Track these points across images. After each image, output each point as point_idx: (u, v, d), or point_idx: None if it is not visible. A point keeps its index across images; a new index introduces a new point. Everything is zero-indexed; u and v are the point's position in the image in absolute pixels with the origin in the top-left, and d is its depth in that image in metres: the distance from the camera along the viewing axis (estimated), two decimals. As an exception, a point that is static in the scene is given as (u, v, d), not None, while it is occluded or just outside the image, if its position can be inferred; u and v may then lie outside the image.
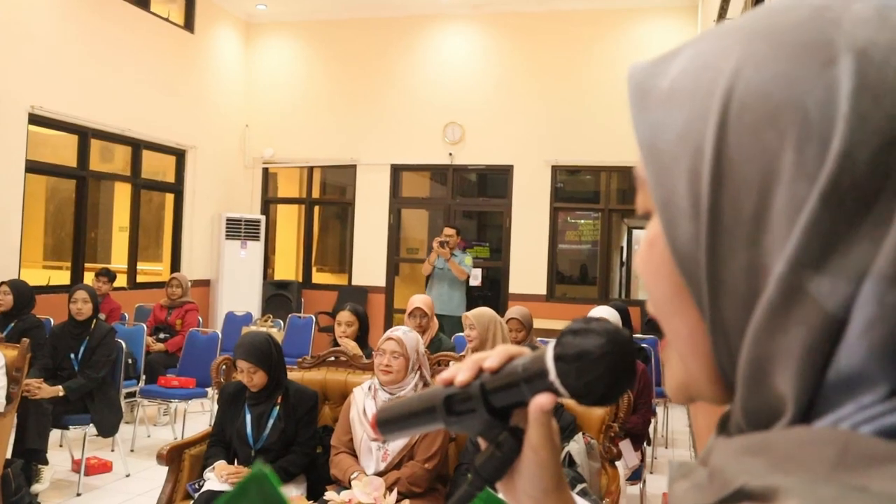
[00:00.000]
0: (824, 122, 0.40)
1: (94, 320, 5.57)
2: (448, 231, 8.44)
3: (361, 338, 4.91)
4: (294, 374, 3.89)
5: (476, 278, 10.45)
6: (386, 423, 0.72)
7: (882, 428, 0.38)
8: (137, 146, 9.46)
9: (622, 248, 10.68)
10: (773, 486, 0.38)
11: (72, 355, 5.43)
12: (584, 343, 0.59)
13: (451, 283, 8.32)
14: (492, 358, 0.66)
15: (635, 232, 13.81)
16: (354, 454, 3.35)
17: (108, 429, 5.42)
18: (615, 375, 0.59)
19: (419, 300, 5.29)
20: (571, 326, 0.61)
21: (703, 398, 0.50)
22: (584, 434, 3.29)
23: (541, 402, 0.62)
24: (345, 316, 5.01)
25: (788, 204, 0.41)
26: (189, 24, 10.25)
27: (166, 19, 9.82)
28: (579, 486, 2.85)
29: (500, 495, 0.70)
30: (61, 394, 5.13)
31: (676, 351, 0.50)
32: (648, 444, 5.31)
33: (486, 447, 0.67)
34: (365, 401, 3.40)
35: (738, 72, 0.43)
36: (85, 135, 8.61)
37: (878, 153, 0.39)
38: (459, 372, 0.66)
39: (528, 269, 10.11)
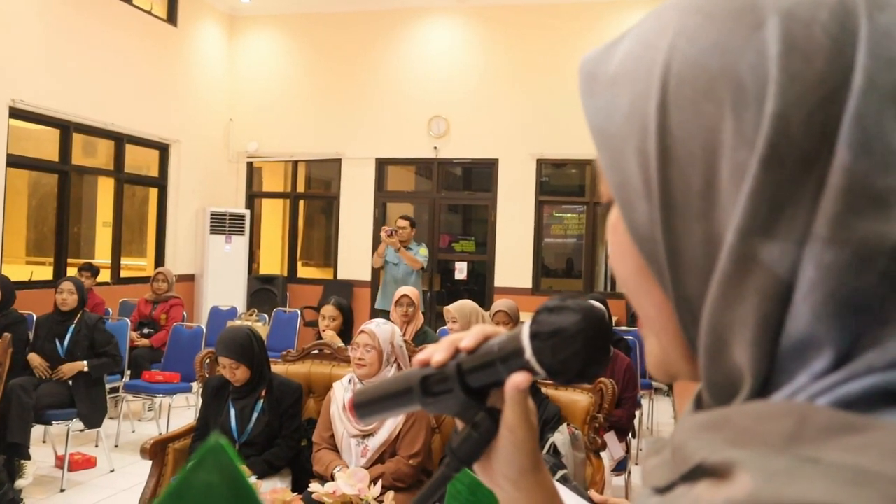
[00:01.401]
0: (758, 87, 0.40)
1: (81, 312, 5.56)
2: (401, 222, 7.71)
3: (346, 332, 4.90)
4: (278, 368, 3.88)
5: (461, 272, 10.47)
6: (363, 406, 0.72)
7: (838, 398, 0.38)
8: (120, 140, 9.39)
9: (607, 242, 10.69)
10: (729, 461, 0.38)
11: (56, 341, 5.42)
12: (560, 320, 0.59)
13: (404, 276, 7.49)
14: (468, 338, 0.65)
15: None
16: (336, 450, 3.34)
17: (94, 420, 5.40)
18: (591, 352, 0.59)
19: (407, 289, 5.30)
20: (547, 304, 0.61)
21: (681, 376, 0.50)
22: (568, 425, 3.29)
23: (516, 380, 0.61)
24: (328, 310, 5.01)
25: (732, 173, 0.41)
26: (172, 18, 10.18)
27: (149, 12, 9.75)
28: (560, 473, 2.86)
29: (478, 477, 0.69)
30: (85, 369, 5.37)
31: (651, 330, 0.50)
32: (633, 436, 5.33)
33: (462, 428, 0.67)
34: (345, 395, 3.39)
35: (674, 47, 0.43)
36: (67, 129, 8.54)
37: (813, 112, 0.39)
38: (436, 352, 0.66)
39: (513, 263, 10.12)
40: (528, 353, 0.60)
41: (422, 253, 7.61)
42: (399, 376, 0.69)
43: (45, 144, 8.76)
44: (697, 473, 0.40)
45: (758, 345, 0.41)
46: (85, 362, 5.37)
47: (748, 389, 0.42)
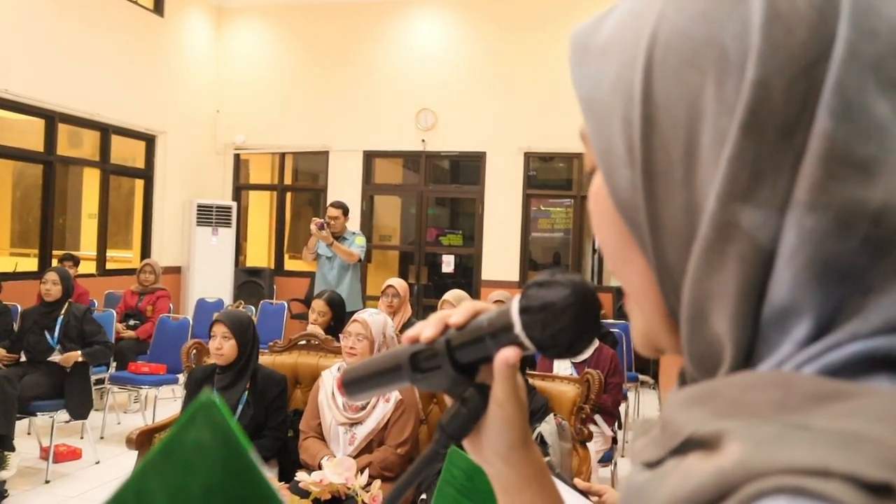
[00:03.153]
0: (740, 55, 0.40)
1: (68, 303, 5.53)
2: (332, 211, 6.78)
3: (335, 327, 4.88)
4: (265, 359, 3.87)
5: (449, 265, 10.47)
6: (352, 384, 0.72)
7: (824, 366, 0.39)
8: (106, 131, 9.33)
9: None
10: (718, 431, 0.38)
11: (46, 332, 5.39)
12: (549, 294, 0.59)
13: (339, 271, 6.69)
14: (457, 314, 0.65)
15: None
16: (323, 438, 3.34)
17: (82, 412, 5.38)
18: (580, 326, 0.59)
19: (394, 280, 5.31)
20: (536, 279, 0.61)
21: (666, 349, 0.50)
22: (555, 415, 3.30)
23: (506, 355, 0.61)
24: (319, 305, 5.00)
25: (713, 140, 0.41)
26: (158, 8, 10.11)
27: (135, 2, 9.68)
28: (544, 460, 2.87)
29: (467, 453, 0.69)
30: (80, 359, 5.40)
31: (634, 301, 0.50)
32: (620, 427, 5.35)
33: (451, 404, 0.67)
34: (333, 384, 3.39)
35: (662, 16, 0.44)
36: (52, 119, 8.47)
37: (794, 81, 0.39)
38: (425, 328, 0.66)
39: (500, 256, 10.13)
40: (518, 327, 0.60)
41: (358, 243, 6.73)
42: (388, 353, 0.69)
43: (29, 135, 8.69)
44: (687, 446, 0.40)
45: (739, 313, 0.41)
46: (79, 352, 5.37)
47: (731, 359, 0.42)
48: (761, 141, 0.40)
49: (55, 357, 5.34)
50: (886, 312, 0.39)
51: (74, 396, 5.32)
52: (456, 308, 0.67)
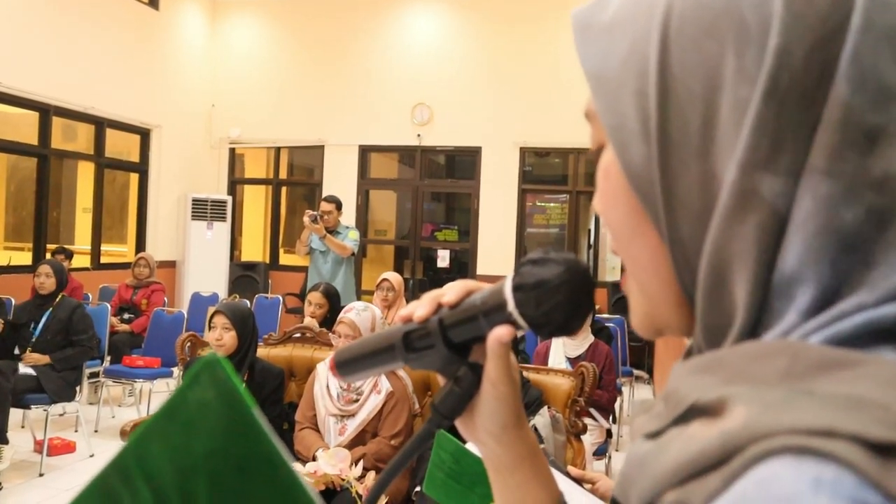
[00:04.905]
0: (761, 25, 0.41)
1: (60, 296, 5.52)
2: (325, 205, 6.77)
3: (332, 319, 4.88)
4: (260, 351, 3.86)
5: (444, 259, 10.47)
6: (344, 364, 0.71)
7: (830, 336, 0.39)
8: (101, 124, 9.30)
9: (590, 230, 10.74)
10: (723, 397, 0.38)
11: (31, 324, 5.37)
12: (543, 272, 0.59)
13: (333, 265, 6.68)
14: (450, 293, 0.65)
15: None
16: (318, 430, 3.34)
17: (64, 394, 5.33)
18: (574, 304, 0.58)
19: (389, 273, 5.30)
20: (530, 256, 0.61)
21: (668, 327, 0.50)
22: (549, 408, 3.31)
23: (499, 333, 0.61)
24: (315, 297, 5.00)
25: (733, 109, 0.41)
26: (154, 2, 10.09)
27: (130, -5, 9.66)
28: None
29: (460, 432, 0.69)
30: (48, 362, 5.27)
31: (637, 280, 0.50)
32: (614, 421, 5.36)
33: (444, 384, 0.66)
34: (328, 376, 3.39)
35: None
36: (46, 112, 8.44)
37: (813, 50, 0.40)
38: (418, 308, 0.66)
39: (496, 251, 10.12)
40: (511, 305, 0.60)
41: (351, 237, 6.74)
42: (381, 333, 0.69)
43: (23, 128, 8.66)
44: (691, 414, 0.41)
45: (755, 280, 0.41)
46: (48, 356, 5.28)
47: (739, 327, 0.42)
48: (782, 109, 0.40)
49: (26, 359, 5.25)
50: (891, 283, 0.39)
51: (52, 383, 5.27)
52: (448, 287, 0.67)
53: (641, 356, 8.55)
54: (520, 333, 0.63)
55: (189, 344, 3.92)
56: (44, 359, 5.26)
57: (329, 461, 2.67)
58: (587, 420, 3.65)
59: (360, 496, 2.75)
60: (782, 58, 0.40)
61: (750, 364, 0.39)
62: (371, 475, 2.83)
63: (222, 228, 10.53)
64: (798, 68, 0.40)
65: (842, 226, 0.39)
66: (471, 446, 1.76)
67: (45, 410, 5.23)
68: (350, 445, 3.17)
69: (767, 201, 0.41)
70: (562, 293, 0.58)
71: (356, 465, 2.75)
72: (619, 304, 9.14)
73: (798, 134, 0.40)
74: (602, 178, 0.49)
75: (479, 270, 10.17)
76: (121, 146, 9.88)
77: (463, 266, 10.71)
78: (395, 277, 5.27)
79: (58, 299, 5.52)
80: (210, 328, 3.63)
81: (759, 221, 0.41)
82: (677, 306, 0.48)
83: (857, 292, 0.39)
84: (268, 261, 11.14)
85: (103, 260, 9.50)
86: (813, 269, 0.40)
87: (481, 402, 0.65)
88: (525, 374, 3.44)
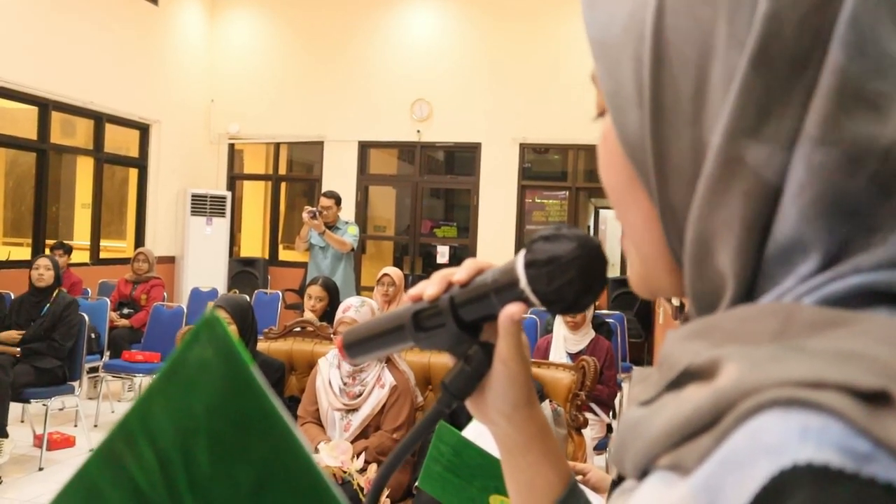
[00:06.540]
0: None
1: (57, 290, 5.51)
2: (324, 201, 6.77)
3: (332, 313, 4.88)
4: (260, 345, 3.86)
5: (443, 255, 10.46)
6: (353, 345, 0.71)
7: (823, 297, 0.39)
8: (100, 119, 9.29)
9: (589, 227, 10.74)
10: (715, 358, 0.38)
11: (32, 324, 5.37)
12: (555, 248, 0.59)
13: (333, 261, 6.69)
14: (461, 271, 0.65)
15: (602, 212, 13.90)
16: (320, 424, 3.34)
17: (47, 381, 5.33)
18: (586, 280, 0.58)
19: (390, 269, 5.30)
20: (541, 233, 0.60)
21: (662, 291, 0.50)
22: (550, 401, 3.30)
23: (511, 311, 0.61)
24: (315, 290, 4.99)
25: (723, 76, 0.41)
26: (153, -4, 10.08)
27: (129, -10, 9.64)
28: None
29: (471, 412, 0.69)
30: (17, 351, 5.21)
31: (633, 244, 0.50)
32: (615, 416, 5.37)
33: (454, 364, 0.66)
34: (330, 371, 3.39)
35: None
36: (45, 107, 8.42)
37: (807, 15, 0.39)
38: (428, 286, 0.65)
39: (495, 248, 10.11)
40: (523, 282, 0.59)
41: (350, 232, 6.74)
42: (390, 313, 0.68)
43: (22, 123, 8.65)
44: (684, 379, 0.41)
45: (742, 249, 0.41)
46: (18, 349, 5.25)
47: (731, 295, 0.42)
48: (770, 75, 0.39)
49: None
50: (891, 249, 0.39)
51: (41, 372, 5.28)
52: (458, 267, 0.66)
53: (641, 352, 8.56)
54: (530, 312, 0.63)
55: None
56: (13, 350, 5.21)
57: (330, 454, 2.67)
58: (588, 415, 3.65)
59: (361, 489, 2.75)
60: (772, 23, 0.39)
61: (742, 326, 0.39)
62: (373, 467, 2.83)
63: (221, 224, 10.52)
64: (789, 35, 0.39)
65: (840, 194, 0.39)
66: (470, 436, 1.76)
67: (44, 405, 5.23)
68: (354, 440, 3.17)
69: (753, 169, 0.40)
70: (574, 269, 0.58)
71: (358, 457, 2.75)
72: (620, 299, 9.14)
73: (787, 102, 0.39)
74: (602, 143, 0.50)
75: (479, 266, 10.15)
76: (120, 141, 9.86)
77: (462, 262, 10.69)
78: (395, 272, 5.27)
79: (55, 294, 5.50)
80: None
81: (745, 189, 0.40)
82: (670, 271, 0.48)
83: (855, 257, 0.39)
84: (267, 257, 11.14)
85: (102, 255, 9.49)
86: (812, 237, 0.40)
87: (492, 382, 0.64)
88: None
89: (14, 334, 5.26)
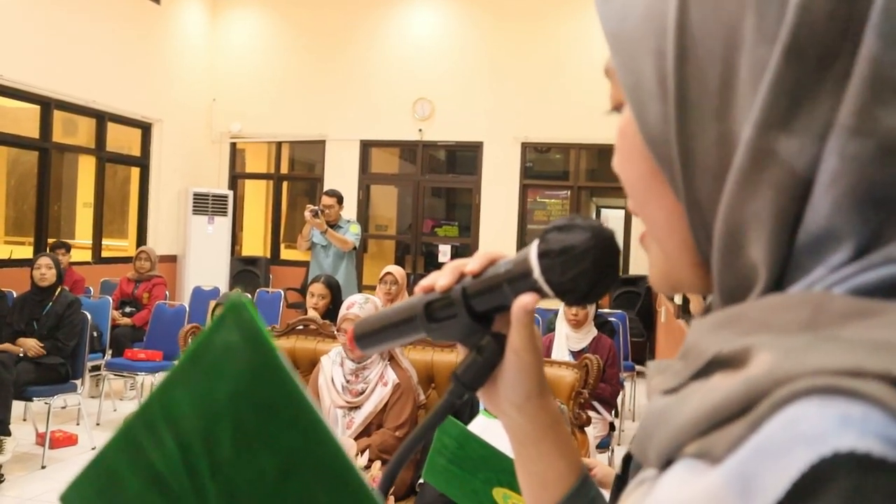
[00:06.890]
0: None
1: (59, 289, 5.51)
2: (326, 200, 6.79)
3: (334, 311, 4.87)
4: (263, 343, 3.86)
5: (445, 254, 10.46)
6: (364, 337, 0.70)
7: (854, 287, 0.38)
8: (102, 118, 9.29)
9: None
10: (746, 347, 0.38)
11: (35, 323, 5.37)
12: (569, 238, 0.58)
13: (334, 259, 6.70)
14: (473, 261, 0.64)
15: (604, 211, 13.90)
16: (324, 422, 3.34)
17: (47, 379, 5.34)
18: (600, 270, 0.58)
19: (392, 267, 5.29)
20: (556, 223, 0.60)
21: (685, 286, 0.50)
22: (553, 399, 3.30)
23: (524, 301, 0.61)
24: (318, 288, 4.99)
25: (752, 68, 0.41)
26: (155, -5, 10.08)
27: (131, -11, 9.63)
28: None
29: (483, 403, 0.69)
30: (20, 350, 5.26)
31: (655, 239, 0.49)
32: (617, 415, 5.37)
33: (466, 354, 0.66)
34: (332, 368, 3.38)
35: None
36: (47, 105, 8.43)
37: (839, 6, 0.38)
38: (440, 277, 0.65)
39: (497, 247, 9.82)
40: (537, 272, 0.59)
41: (352, 231, 6.76)
42: (402, 304, 0.68)
43: (24, 122, 8.65)
44: (712, 367, 0.40)
45: (774, 240, 0.41)
46: (26, 352, 5.31)
47: (762, 285, 0.42)
48: (802, 67, 0.39)
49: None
50: None
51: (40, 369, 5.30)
52: (471, 256, 0.66)
53: (643, 351, 8.56)
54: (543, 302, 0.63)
55: (192, 336, 3.92)
56: (15, 348, 5.28)
57: (334, 450, 2.67)
58: (590, 413, 3.65)
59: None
60: (804, 14, 0.39)
61: (772, 315, 0.39)
62: (377, 465, 2.83)
63: (223, 223, 10.52)
64: (820, 25, 0.39)
65: (873, 185, 0.38)
66: (476, 430, 1.76)
67: (47, 403, 5.23)
68: (356, 437, 3.17)
69: (785, 161, 0.40)
70: (588, 259, 0.58)
71: (361, 455, 2.75)
72: (622, 298, 9.14)
73: (819, 93, 0.39)
74: (619, 137, 0.49)
75: (480, 266, 10.15)
76: (122, 140, 9.86)
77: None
78: (398, 271, 5.26)
79: (57, 293, 5.50)
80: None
81: (777, 181, 0.40)
82: (694, 266, 0.47)
83: (887, 247, 0.39)
84: (269, 256, 11.14)
85: (104, 254, 9.49)
86: (845, 228, 0.39)
87: (504, 372, 0.64)
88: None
89: (35, 345, 5.27)
